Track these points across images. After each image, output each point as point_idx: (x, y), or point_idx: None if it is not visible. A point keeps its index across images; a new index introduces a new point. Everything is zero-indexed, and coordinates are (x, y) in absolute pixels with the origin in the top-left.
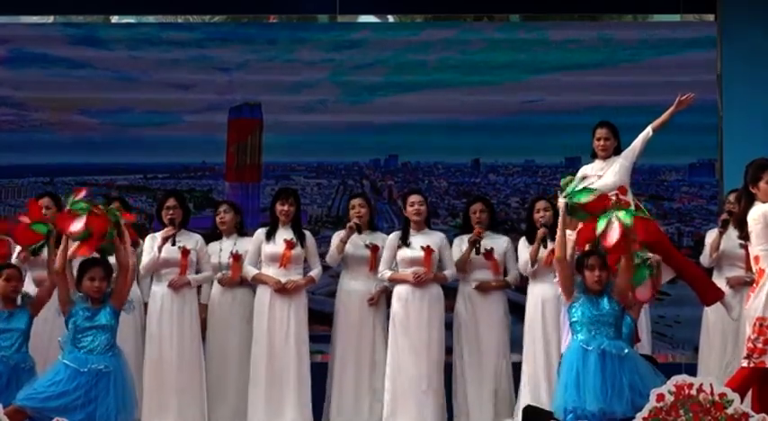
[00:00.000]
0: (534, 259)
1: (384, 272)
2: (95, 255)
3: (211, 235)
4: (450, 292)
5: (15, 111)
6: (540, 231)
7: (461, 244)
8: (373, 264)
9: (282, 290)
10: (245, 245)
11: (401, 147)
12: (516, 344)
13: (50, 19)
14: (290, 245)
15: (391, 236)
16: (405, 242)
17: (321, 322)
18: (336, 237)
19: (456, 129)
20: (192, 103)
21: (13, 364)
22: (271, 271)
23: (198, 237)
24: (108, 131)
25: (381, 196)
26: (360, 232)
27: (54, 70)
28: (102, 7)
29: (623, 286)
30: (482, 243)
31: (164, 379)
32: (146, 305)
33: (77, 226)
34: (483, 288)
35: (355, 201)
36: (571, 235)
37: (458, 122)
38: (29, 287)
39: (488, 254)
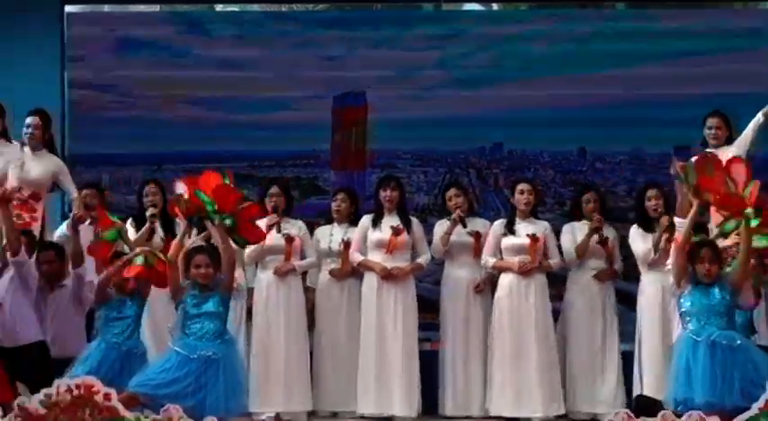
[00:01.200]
0: (657, 247)
1: (488, 259)
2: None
3: (325, 221)
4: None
5: (124, 98)
6: (665, 219)
7: (572, 231)
8: (477, 251)
9: (389, 276)
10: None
11: (507, 136)
12: (624, 333)
13: (157, 8)
14: (396, 231)
15: (495, 223)
16: (510, 230)
17: (430, 309)
18: (439, 227)
19: (562, 118)
20: (297, 91)
21: (125, 350)
22: (377, 258)
23: (301, 224)
24: (214, 119)
25: (487, 184)
26: (464, 226)
27: (161, 58)
28: None
29: (739, 279)
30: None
31: (270, 367)
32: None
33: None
34: (601, 277)
35: (450, 193)
36: (681, 224)
37: (563, 111)
38: None
39: (604, 242)
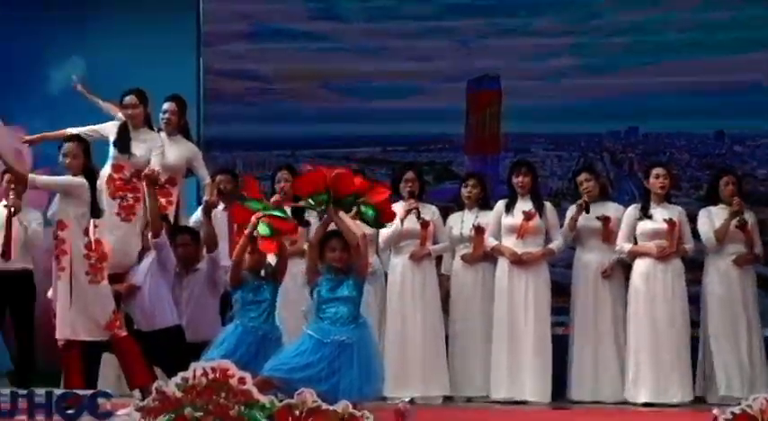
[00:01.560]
0: None
1: (623, 245)
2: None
3: (455, 206)
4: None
5: (258, 84)
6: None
7: (709, 215)
8: (606, 236)
9: (519, 262)
10: (487, 217)
11: (642, 119)
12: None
13: None
14: (528, 216)
15: (629, 208)
16: (645, 214)
17: (563, 294)
18: (570, 212)
19: (698, 100)
20: (430, 74)
21: (261, 335)
22: (509, 242)
23: (434, 209)
24: (348, 103)
25: (621, 169)
26: (587, 211)
27: (295, 44)
28: None
29: None
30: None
31: (406, 351)
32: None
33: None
34: (740, 262)
35: (581, 177)
36: None
37: (700, 93)
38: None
39: (743, 226)
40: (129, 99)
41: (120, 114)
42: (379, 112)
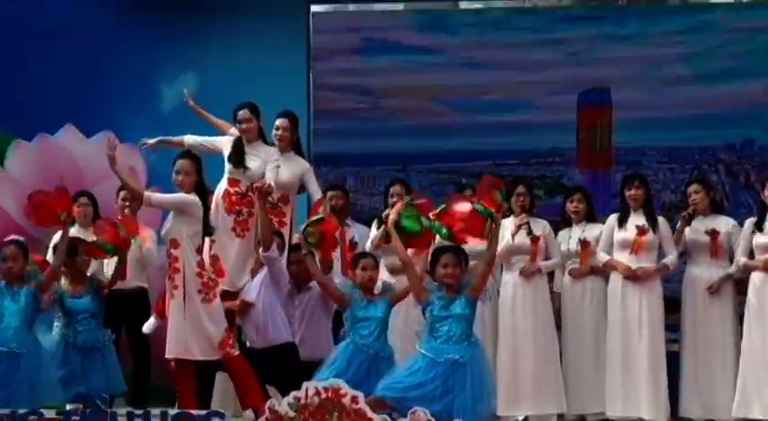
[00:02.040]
0: None
1: (740, 258)
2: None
3: (561, 221)
4: None
5: (369, 98)
6: None
7: None
8: (714, 251)
9: (633, 277)
10: (594, 231)
11: (758, 130)
12: None
13: (401, 6)
14: (641, 231)
15: (746, 222)
16: (759, 228)
17: (676, 310)
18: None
19: None
20: (540, 87)
21: (372, 353)
22: (622, 257)
23: (545, 224)
24: (458, 117)
25: (737, 181)
26: (689, 223)
27: (405, 57)
28: None
29: None
30: None
31: (519, 369)
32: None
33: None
34: None
35: (691, 189)
36: None
37: None
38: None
39: None
40: (242, 113)
41: (231, 131)
42: (490, 126)
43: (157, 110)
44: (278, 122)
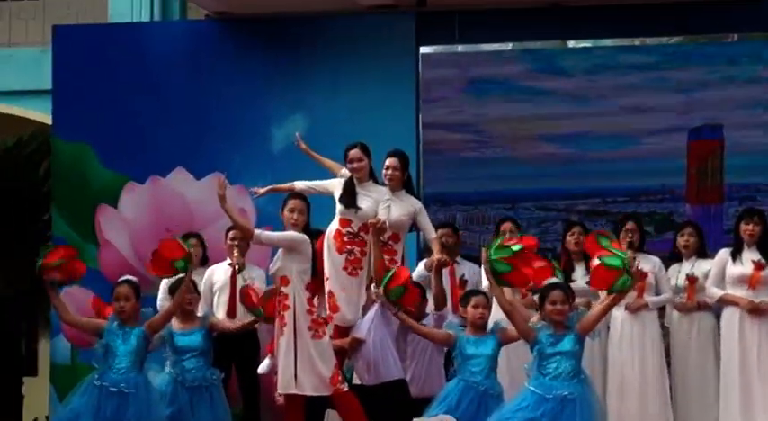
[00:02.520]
0: None
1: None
2: (554, 279)
3: (672, 256)
4: None
5: (477, 137)
6: None
7: None
8: None
9: (755, 311)
10: (704, 267)
11: None
12: None
13: (509, 46)
14: (759, 266)
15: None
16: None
17: None
18: None
19: None
20: (650, 125)
21: (482, 390)
22: (738, 293)
23: (655, 260)
24: (567, 155)
25: None
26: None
27: (514, 96)
28: (560, 32)
29: None
30: None
31: (628, 406)
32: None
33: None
34: None
35: None
36: None
37: None
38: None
39: None
40: (353, 152)
41: (342, 172)
42: (599, 164)
43: (267, 151)
44: (388, 162)
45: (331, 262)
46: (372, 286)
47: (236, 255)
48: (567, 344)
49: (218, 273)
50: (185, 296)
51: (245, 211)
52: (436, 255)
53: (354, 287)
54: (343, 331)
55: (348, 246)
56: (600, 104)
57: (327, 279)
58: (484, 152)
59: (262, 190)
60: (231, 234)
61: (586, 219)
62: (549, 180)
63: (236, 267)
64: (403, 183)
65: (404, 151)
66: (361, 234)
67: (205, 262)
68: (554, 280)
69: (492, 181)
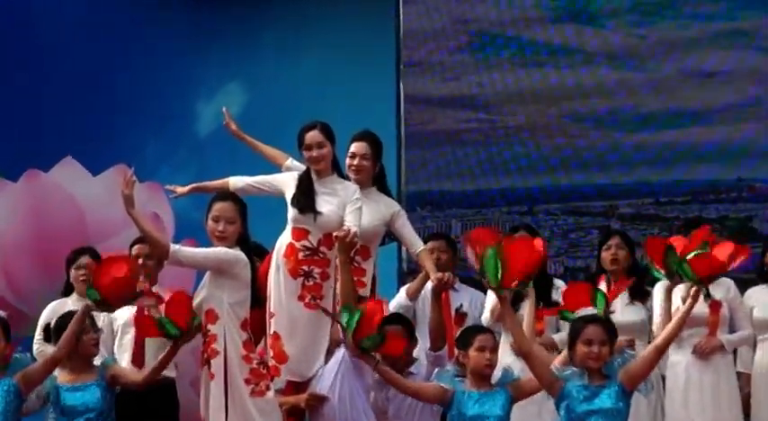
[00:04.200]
0: None
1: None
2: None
3: (757, 277)
4: None
5: (479, 115)
6: None
7: None
8: None
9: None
10: None
11: None
12: None
13: None
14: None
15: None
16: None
17: None
18: None
19: None
20: (719, 94)
21: None
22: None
23: (729, 283)
24: (602, 139)
25: None
26: None
27: (528, 59)
28: None
29: None
30: None
31: None
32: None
33: None
34: None
35: None
36: None
37: None
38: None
39: None
40: (312, 136)
41: (289, 163)
42: (648, 150)
43: (191, 136)
44: (354, 148)
45: (280, 289)
46: (339, 325)
47: (140, 279)
48: (606, 399)
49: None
50: (77, 337)
51: (160, 218)
52: (433, 274)
53: (312, 325)
54: (297, 385)
55: (304, 267)
56: (647, 68)
57: (273, 315)
58: (488, 135)
59: (183, 189)
60: (137, 248)
61: (631, 227)
62: (580, 173)
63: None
64: (374, 178)
65: (375, 134)
66: (323, 250)
67: None
68: (589, 310)
69: (500, 174)
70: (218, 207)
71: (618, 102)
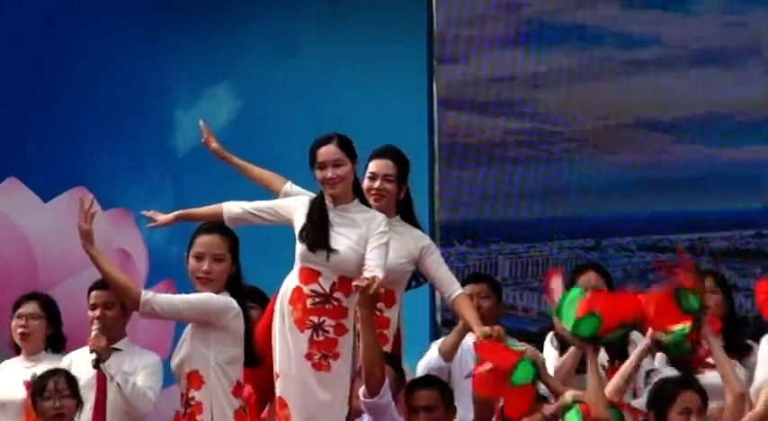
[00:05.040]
0: None
1: None
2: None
3: None
4: None
5: (528, 124)
6: None
7: None
8: None
9: None
10: None
11: None
12: None
13: None
14: None
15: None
16: None
17: None
18: None
19: None
20: None
21: None
22: None
23: None
24: (688, 152)
25: None
26: None
27: (588, 51)
28: None
29: None
30: None
31: None
32: None
33: None
34: None
35: None
36: None
37: None
38: None
39: None
40: (326, 152)
41: (287, 188)
42: (746, 168)
43: (168, 151)
44: (373, 167)
45: (287, 345)
46: (361, 391)
47: (93, 332)
48: None
49: (79, 365)
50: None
51: (129, 256)
52: (478, 329)
53: (328, 389)
54: None
55: (314, 318)
56: (748, 61)
57: (278, 376)
58: (544, 150)
59: (164, 217)
60: (95, 296)
61: (726, 266)
62: (660, 198)
63: (95, 356)
64: (398, 205)
65: (400, 149)
66: (338, 296)
67: (58, 344)
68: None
69: (559, 200)
70: (203, 241)
71: (708, 108)
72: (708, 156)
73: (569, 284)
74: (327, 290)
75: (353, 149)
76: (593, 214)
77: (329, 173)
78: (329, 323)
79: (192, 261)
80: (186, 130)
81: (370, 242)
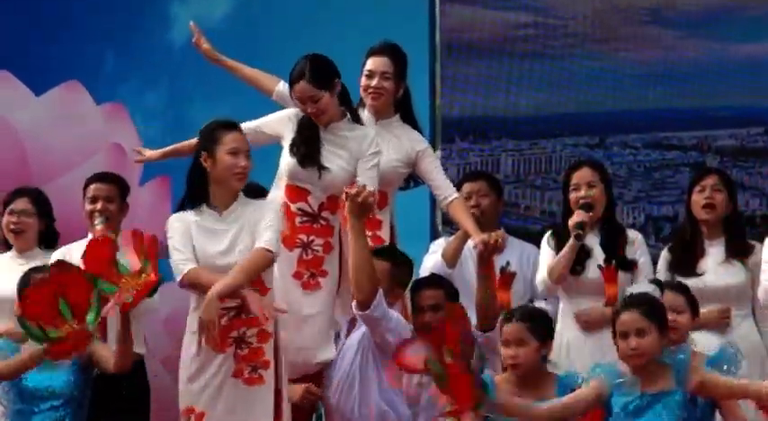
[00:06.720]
0: None
1: None
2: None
3: None
4: None
5: (533, 16)
6: None
7: None
8: None
9: None
10: None
11: None
12: None
13: None
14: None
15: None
16: None
17: None
18: None
19: None
20: None
21: None
22: None
23: None
24: (701, 48)
25: None
26: None
27: None
28: None
29: None
30: None
31: None
32: None
33: None
34: None
35: None
36: None
37: None
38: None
39: None
40: (300, 89)
41: (279, 88)
42: (757, 64)
43: (162, 45)
44: (371, 64)
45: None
46: (354, 304)
47: (98, 225)
48: (663, 413)
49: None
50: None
51: (123, 151)
52: (477, 236)
53: (318, 306)
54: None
55: (303, 237)
56: None
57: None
58: (545, 44)
59: (152, 152)
60: (94, 189)
61: (733, 164)
62: (667, 94)
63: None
64: (396, 103)
65: (398, 46)
66: (325, 215)
67: (52, 240)
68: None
69: (563, 95)
70: (235, 137)
71: (720, 2)
72: (717, 51)
73: (565, 182)
74: (316, 209)
75: (328, 74)
76: (597, 111)
77: (309, 108)
78: (318, 242)
79: (227, 158)
80: (182, 24)
81: (361, 162)
